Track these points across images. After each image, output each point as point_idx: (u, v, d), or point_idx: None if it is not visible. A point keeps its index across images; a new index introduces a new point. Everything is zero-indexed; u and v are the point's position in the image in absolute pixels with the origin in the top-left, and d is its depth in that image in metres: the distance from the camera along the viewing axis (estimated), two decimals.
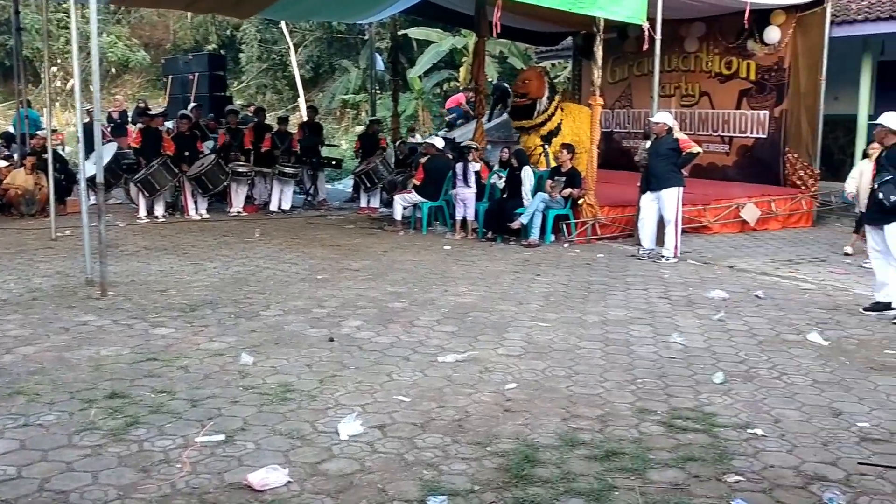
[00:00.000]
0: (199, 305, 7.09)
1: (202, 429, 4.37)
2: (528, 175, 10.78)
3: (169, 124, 15.31)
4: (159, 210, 12.45)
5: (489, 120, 14.73)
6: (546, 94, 12.29)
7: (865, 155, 9.70)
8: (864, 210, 9.03)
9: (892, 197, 6.73)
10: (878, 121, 7.03)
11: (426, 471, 3.90)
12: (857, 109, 13.40)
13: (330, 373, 5.33)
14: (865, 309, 7.14)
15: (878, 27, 12.74)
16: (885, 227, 6.88)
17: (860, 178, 9.33)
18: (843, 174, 14.37)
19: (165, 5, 19.23)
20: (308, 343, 6.01)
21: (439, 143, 12.15)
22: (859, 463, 4.03)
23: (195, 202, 12.68)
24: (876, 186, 6.90)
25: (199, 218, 12.47)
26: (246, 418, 4.54)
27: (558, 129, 12.40)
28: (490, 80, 21.70)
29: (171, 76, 20.13)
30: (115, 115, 16.81)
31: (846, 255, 9.85)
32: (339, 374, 5.30)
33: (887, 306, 7.00)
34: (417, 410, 4.69)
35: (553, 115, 12.38)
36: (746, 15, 11.71)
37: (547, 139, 12.26)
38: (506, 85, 13.75)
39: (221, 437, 4.27)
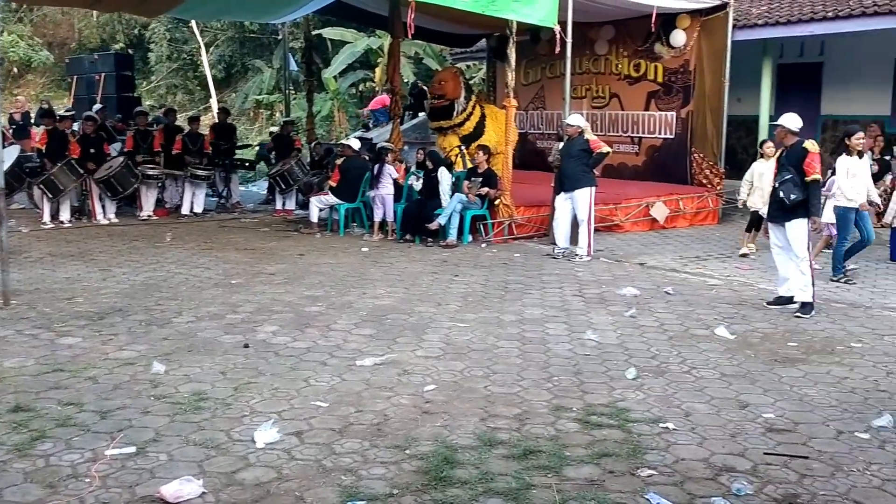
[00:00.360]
0: (107, 313, 6.87)
1: (112, 441, 4.24)
2: (444, 176, 10.82)
3: (76, 126, 14.82)
4: (65, 215, 12.01)
5: (404, 122, 14.77)
6: (463, 94, 12.39)
7: (761, 155, 10.05)
8: (755, 210, 9.43)
9: (791, 195, 7.01)
10: (777, 122, 7.32)
11: (345, 476, 3.88)
12: (759, 110, 13.91)
13: (245, 380, 5.24)
14: (769, 303, 7.43)
15: (776, 31, 13.25)
16: (786, 224, 7.16)
17: (760, 179, 9.61)
18: (744, 174, 14.92)
19: (69, 3, 18.54)
20: (222, 350, 5.90)
21: (355, 144, 12.09)
22: (765, 453, 4.19)
23: (103, 206, 12.28)
24: (777, 185, 7.18)
25: (107, 222, 12.08)
26: (158, 429, 4.43)
27: (481, 129, 12.49)
28: (406, 80, 21.74)
29: (76, 76, 19.48)
30: (18, 117, 16.16)
31: (743, 256, 9.97)
32: (255, 381, 5.22)
33: (789, 300, 7.29)
34: (335, 415, 4.66)
35: (471, 115, 12.47)
36: (653, 19, 12.03)
37: (469, 140, 12.33)
38: (424, 86, 13.80)
39: (132, 449, 4.15)
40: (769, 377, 5.42)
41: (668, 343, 6.22)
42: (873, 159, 12.14)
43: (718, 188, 13.09)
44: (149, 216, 12.79)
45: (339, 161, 11.76)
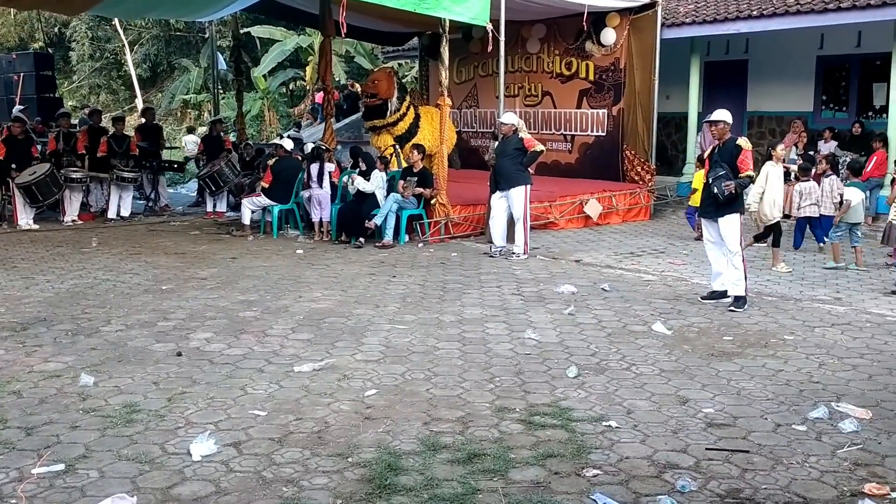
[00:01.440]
0: (31, 323, 6.59)
1: (39, 459, 4.04)
2: (377, 174, 10.72)
3: None
4: None
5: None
6: (396, 94, 12.30)
7: (769, 158, 9.57)
8: (775, 221, 9.16)
9: (725, 191, 7.12)
10: (718, 118, 7.35)
11: (286, 488, 3.77)
12: (688, 107, 14.17)
13: (179, 390, 5.07)
14: (703, 298, 7.54)
15: (703, 29, 13.52)
16: (719, 219, 7.27)
17: (772, 185, 9.14)
18: (676, 169, 15.22)
19: None
20: (154, 359, 5.70)
21: (288, 144, 11.89)
22: (707, 448, 4.22)
23: (25, 211, 11.81)
24: (710, 181, 7.28)
25: (28, 227, 11.62)
26: (88, 444, 4.24)
27: (414, 129, 12.43)
28: (337, 79, 21.54)
29: None
30: None
31: (783, 272, 8.87)
32: (189, 391, 5.05)
33: (723, 294, 7.41)
34: (274, 424, 4.53)
35: (405, 114, 12.40)
36: (584, 17, 12.13)
37: (403, 140, 12.26)
38: (353, 89, 13.69)
39: (61, 466, 3.96)
40: (707, 372, 5.48)
41: (607, 340, 6.25)
42: (797, 154, 12.48)
43: (650, 185, 13.28)
44: (73, 221, 12.37)
45: (271, 162, 11.54)
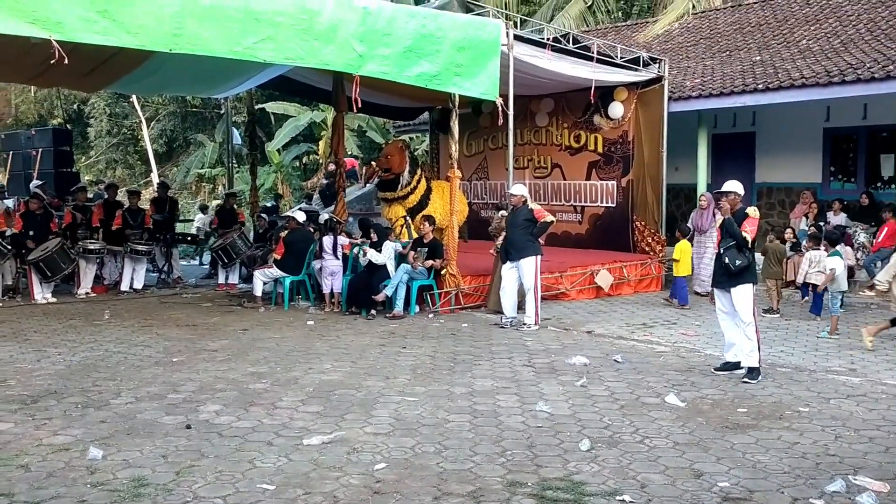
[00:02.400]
0: (41, 396, 6.58)
1: None
2: (388, 246, 10.79)
3: (9, 203, 14.45)
4: None
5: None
6: (408, 168, 12.49)
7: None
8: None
9: (737, 261, 7.13)
10: (727, 188, 7.41)
11: None
12: (697, 178, 14.28)
13: (187, 463, 5.03)
14: (716, 369, 7.47)
15: (709, 103, 13.72)
16: (732, 289, 7.26)
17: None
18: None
19: (6, 78, 18.33)
20: (163, 432, 5.66)
21: (300, 216, 12.00)
22: None
23: (41, 285, 11.90)
24: (721, 251, 7.29)
25: (44, 302, 11.68)
26: None
27: (425, 202, 12.56)
28: (349, 153, 21.90)
29: (11, 152, 19.12)
30: None
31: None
32: (198, 464, 5.00)
33: (736, 366, 7.35)
34: (283, 499, 4.47)
35: (416, 187, 12.56)
36: (592, 92, 12.34)
37: (414, 212, 12.38)
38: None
39: None
40: (721, 444, 5.40)
41: (619, 412, 6.18)
42: (808, 225, 12.51)
43: (661, 255, 13.30)
44: (87, 293, 12.44)
45: (283, 233, 11.65)
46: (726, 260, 7.20)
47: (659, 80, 13.27)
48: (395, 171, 12.38)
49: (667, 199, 13.64)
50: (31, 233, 11.81)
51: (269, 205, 18.98)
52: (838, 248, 9.79)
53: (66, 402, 6.43)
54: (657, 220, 13.39)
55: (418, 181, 12.67)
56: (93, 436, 5.55)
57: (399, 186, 12.46)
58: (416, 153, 24.19)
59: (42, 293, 11.80)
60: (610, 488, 4.62)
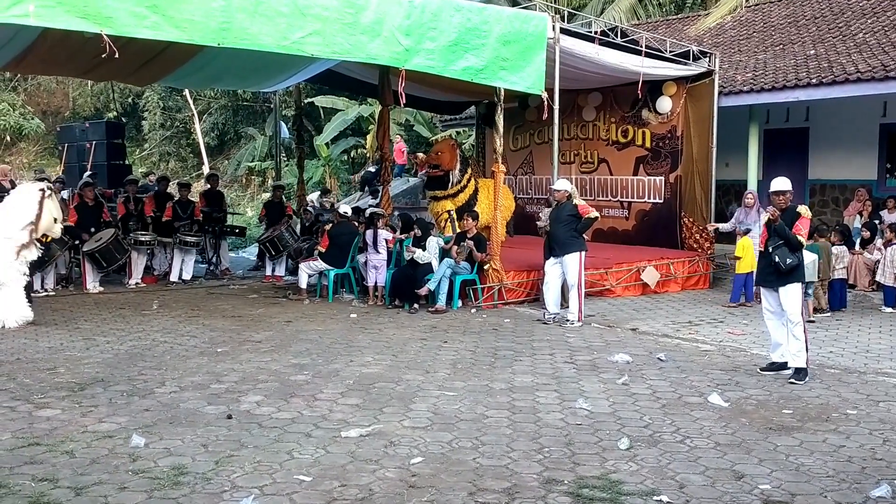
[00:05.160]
0: (88, 384, 6.72)
1: None
2: (432, 242, 10.80)
3: (64, 194, 14.77)
4: (49, 283, 11.88)
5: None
6: (458, 166, 12.44)
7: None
8: None
9: (787, 260, 6.97)
10: (782, 188, 7.24)
11: None
12: (747, 175, 14.01)
13: (227, 453, 5.09)
14: (762, 369, 7.33)
15: (762, 97, 13.44)
16: (780, 288, 7.11)
17: None
18: (735, 238, 14.98)
19: (62, 72, 18.67)
20: (205, 421, 5.75)
21: (346, 209, 12.07)
22: None
23: (93, 274, 12.17)
24: (770, 249, 7.13)
25: (95, 291, 11.94)
26: None
27: (473, 201, 12.52)
28: (401, 140, 22.02)
29: (67, 144, 19.56)
30: (7, 185, 16.12)
31: None
32: (237, 454, 5.06)
33: (783, 366, 7.20)
34: (319, 490, 4.50)
35: (465, 186, 12.52)
36: (640, 86, 12.18)
37: (461, 211, 12.35)
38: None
39: None
40: (764, 446, 5.30)
41: (661, 411, 6.10)
42: (862, 224, 12.21)
43: (709, 252, 13.09)
44: (137, 284, 12.68)
45: (327, 227, 11.73)
46: (776, 259, 7.05)
47: (709, 74, 13.06)
48: (444, 167, 12.35)
49: (716, 195, 13.42)
50: (92, 229, 12.06)
51: (372, 169, 19.09)
52: None
53: (112, 390, 6.56)
54: (706, 216, 13.17)
55: (468, 181, 12.62)
56: (136, 424, 5.65)
57: (449, 184, 12.41)
58: (462, 147, 24.21)
59: (92, 282, 12.06)
60: (648, 488, 4.56)
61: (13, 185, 15.26)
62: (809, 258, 9.49)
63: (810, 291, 9.88)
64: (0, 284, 8.97)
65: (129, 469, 4.80)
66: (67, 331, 9.03)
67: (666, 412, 6.07)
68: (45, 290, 11.69)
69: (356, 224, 11.88)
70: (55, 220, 9.55)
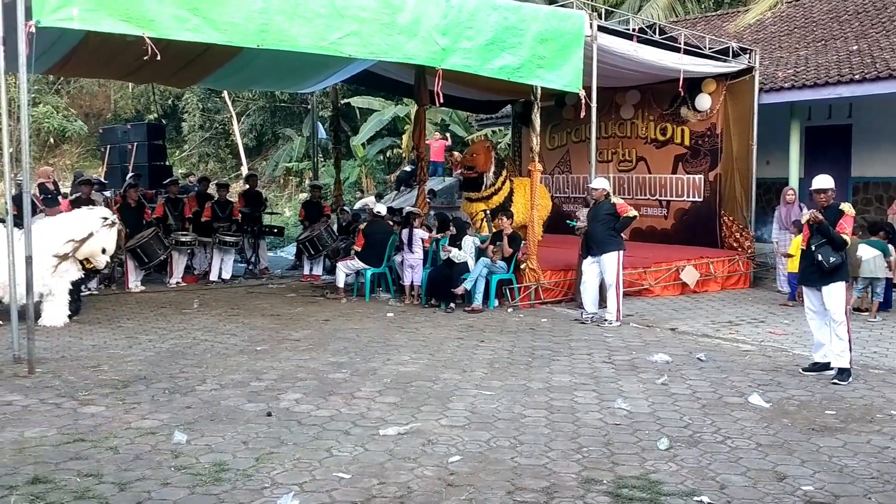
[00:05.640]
0: (131, 381, 6.83)
1: None
2: (468, 241, 10.80)
3: (107, 194, 15.01)
4: (92, 283, 12.08)
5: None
6: (493, 168, 12.40)
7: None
8: None
9: (830, 258, 6.86)
10: (823, 185, 7.12)
11: None
12: (789, 173, 13.81)
13: (267, 450, 5.14)
14: (804, 369, 7.22)
15: (803, 94, 13.22)
16: (823, 287, 6.99)
17: None
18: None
19: (104, 75, 19.04)
20: (245, 418, 5.81)
21: (380, 208, 12.12)
22: None
23: (135, 272, 12.36)
24: (813, 248, 7.02)
25: (137, 290, 12.13)
26: (177, 501, 4.33)
27: (508, 203, 12.47)
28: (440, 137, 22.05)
29: (108, 146, 19.86)
30: (51, 186, 16.43)
31: None
32: (277, 451, 5.12)
33: (826, 366, 7.08)
34: (357, 488, 4.53)
35: (500, 188, 12.49)
36: (680, 83, 12.06)
37: (496, 212, 12.32)
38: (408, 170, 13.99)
39: None
40: (807, 447, 5.22)
41: (701, 412, 6.04)
42: None
43: (749, 252, 12.94)
44: (178, 283, 12.86)
45: (362, 226, 11.80)
46: (819, 257, 6.94)
47: (749, 70, 12.91)
48: (479, 169, 12.32)
49: (757, 193, 13.25)
50: (126, 224, 12.25)
51: (408, 169, 19.23)
52: None
53: (154, 387, 6.66)
54: (746, 215, 13.03)
55: (503, 182, 12.58)
56: (178, 421, 5.74)
57: (483, 186, 12.39)
58: (498, 146, 24.17)
59: (134, 281, 12.25)
60: (688, 489, 4.52)
61: (56, 187, 15.66)
62: (871, 254, 9.69)
63: (879, 290, 9.98)
64: (47, 294, 9.15)
65: (172, 465, 4.87)
66: (110, 329, 9.18)
67: (706, 412, 6.01)
68: (89, 290, 11.87)
69: (390, 223, 11.93)
70: (104, 250, 9.62)
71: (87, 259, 9.61)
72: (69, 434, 5.44)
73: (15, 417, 5.81)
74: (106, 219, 9.67)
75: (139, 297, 11.61)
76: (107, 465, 4.85)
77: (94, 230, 9.47)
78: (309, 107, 21.37)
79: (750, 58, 12.96)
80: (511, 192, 12.69)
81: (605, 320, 9.57)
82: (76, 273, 9.53)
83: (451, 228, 10.97)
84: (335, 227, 14.42)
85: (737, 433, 5.52)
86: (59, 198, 13.76)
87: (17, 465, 4.83)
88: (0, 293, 8.83)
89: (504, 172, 12.77)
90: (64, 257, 9.28)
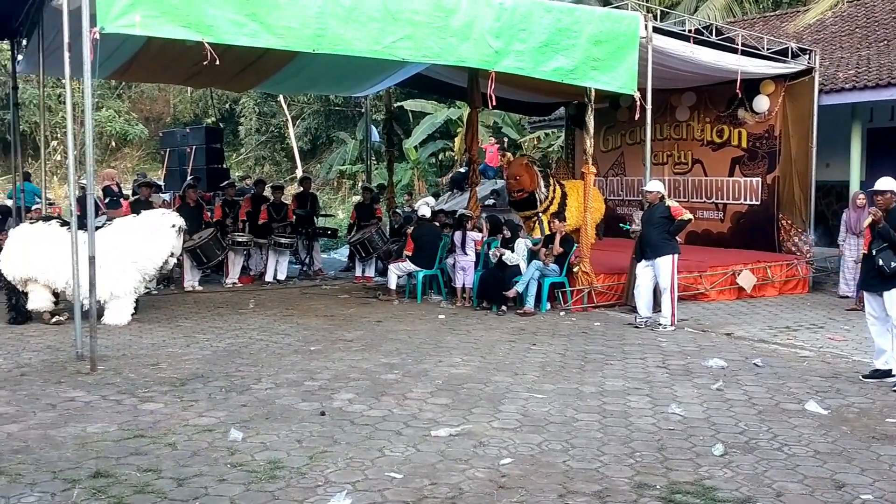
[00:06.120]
0: (189, 379, 6.98)
1: None
2: (520, 244, 10.79)
3: (165, 196, 15.35)
4: (151, 283, 12.33)
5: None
6: (541, 182, 12.27)
7: None
8: None
9: (892, 263, 6.70)
10: (882, 187, 6.94)
11: None
12: (850, 175, 13.49)
13: (320, 448, 5.21)
14: (865, 376, 7.06)
15: (865, 95, 12.91)
16: (885, 293, 6.83)
17: None
18: (836, 240, 14.47)
19: (164, 80, 19.49)
20: (299, 417, 5.89)
21: (425, 210, 12.14)
22: None
23: (192, 272, 12.62)
24: (874, 253, 6.86)
25: (197, 289, 12.38)
26: (233, 497, 4.41)
27: (563, 207, 12.38)
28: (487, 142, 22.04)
29: (168, 149, 20.30)
30: (115, 189, 16.83)
31: None
32: (330, 450, 5.18)
33: (887, 373, 6.91)
34: (409, 488, 4.56)
35: (553, 198, 12.40)
36: (738, 85, 11.87)
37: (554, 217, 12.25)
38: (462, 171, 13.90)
39: None
40: (867, 455, 5.10)
41: (757, 418, 5.94)
42: None
43: (808, 256, 12.68)
44: (234, 283, 13.08)
45: (410, 230, 11.86)
46: (880, 262, 6.77)
47: (809, 71, 12.65)
48: (527, 189, 12.17)
49: (816, 197, 12.97)
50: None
51: (462, 170, 19.31)
52: None
53: (211, 385, 6.79)
54: (805, 219, 12.77)
55: (554, 190, 12.47)
56: (234, 418, 5.84)
57: (538, 202, 12.24)
58: (550, 149, 24.06)
59: (191, 281, 12.51)
60: (743, 495, 4.46)
61: (119, 189, 16.05)
62: None
63: None
64: (115, 297, 9.39)
65: (228, 462, 4.96)
66: (169, 328, 9.38)
67: (762, 419, 5.91)
68: (148, 289, 12.13)
69: (437, 224, 11.97)
70: (171, 254, 9.91)
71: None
72: (129, 430, 5.58)
73: (78, 413, 5.98)
74: (174, 225, 9.90)
75: (196, 297, 11.85)
76: (165, 461, 4.97)
77: (168, 239, 9.79)
78: (362, 110, 21.50)
79: (810, 58, 12.71)
80: (564, 196, 12.60)
81: (660, 324, 9.48)
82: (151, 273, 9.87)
83: (503, 231, 10.95)
84: (387, 230, 14.53)
85: (794, 440, 5.42)
86: (121, 200, 14.10)
87: (79, 460, 4.97)
88: (64, 289, 9.16)
89: (551, 180, 12.61)
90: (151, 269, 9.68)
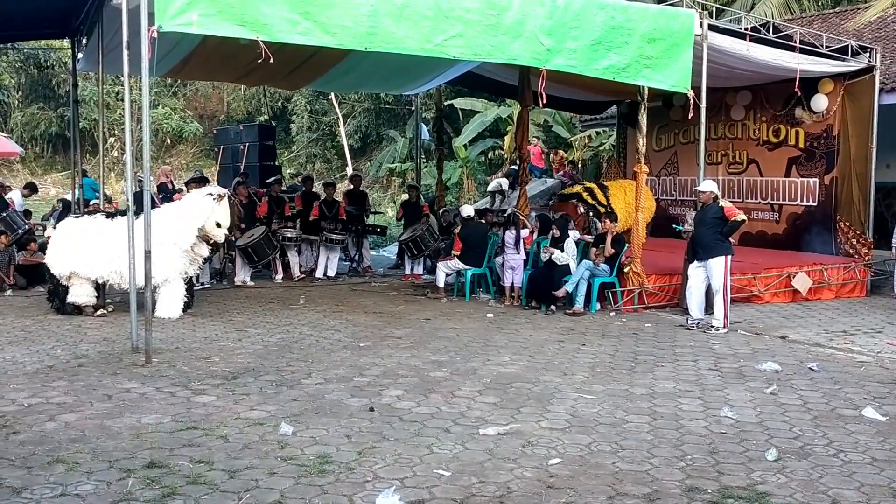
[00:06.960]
0: (241, 373, 7.07)
1: (238, 501, 4.30)
2: (570, 243, 10.71)
3: None
4: (205, 277, 12.56)
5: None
6: (590, 214, 12.03)
7: None
8: None
9: None
10: None
11: None
12: None
13: (369, 444, 5.24)
14: None
15: None
16: None
17: None
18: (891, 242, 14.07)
19: (219, 78, 19.79)
20: (348, 413, 5.93)
21: (467, 210, 12.11)
22: None
23: (244, 269, 12.81)
24: None
25: (248, 285, 12.55)
26: (283, 491, 4.46)
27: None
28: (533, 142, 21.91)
29: (222, 146, 20.59)
30: (169, 185, 17.13)
31: None
32: (379, 446, 5.20)
33: None
34: (457, 485, 4.56)
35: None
36: (796, 83, 11.62)
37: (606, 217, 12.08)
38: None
39: None
40: None
41: (812, 423, 5.82)
42: None
43: (867, 259, 12.37)
44: (297, 277, 13.22)
45: (456, 230, 11.85)
46: None
47: (869, 70, 12.32)
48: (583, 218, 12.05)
49: (876, 198, 12.65)
50: (243, 226, 12.69)
51: (514, 168, 19.40)
52: None
53: (262, 379, 6.87)
54: (863, 220, 12.46)
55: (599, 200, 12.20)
56: (285, 413, 5.90)
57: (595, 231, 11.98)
58: (601, 148, 23.86)
59: (242, 277, 12.69)
60: (797, 501, 4.37)
61: (173, 185, 16.35)
62: None
63: None
64: (165, 281, 9.53)
65: (278, 455, 5.02)
66: (221, 322, 9.52)
67: (817, 424, 5.79)
68: (201, 284, 12.36)
69: (484, 223, 11.95)
70: (218, 224, 9.88)
71: (206, 237, 9.90)
72: (182, 422, 5.68)
73: (133, 404, 6.11)
74: (211, 194, 9.97)
75: (248, 292, 12.01)
76: (217, 453, 5.04)
77: (203, 208, 9.76)
78: (413, 108, 21.64)
79: (870, 57, 12.38)
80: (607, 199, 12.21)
81: (712, 327, 9.33)
82: (205, 250, 9.94)
83: (553, 230, 10.89)
84: (436, 228, 14.54)
85: (850, 446, 5.29)
86: (174, 196, 14.35)
87: (134, 450, 5.07)
88: (118, 280, 9.35)
89: (596, 191, 12.28)
90: (194, 243, 9.68)
